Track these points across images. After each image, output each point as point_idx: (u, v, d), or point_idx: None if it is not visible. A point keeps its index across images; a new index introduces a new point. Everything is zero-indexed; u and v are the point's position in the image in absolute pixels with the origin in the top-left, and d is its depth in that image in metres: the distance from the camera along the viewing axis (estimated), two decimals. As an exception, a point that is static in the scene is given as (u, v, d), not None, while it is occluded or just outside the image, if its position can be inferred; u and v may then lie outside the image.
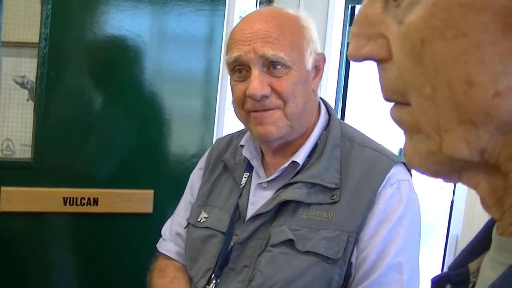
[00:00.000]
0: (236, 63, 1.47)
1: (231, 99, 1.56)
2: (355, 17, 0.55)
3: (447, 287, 0.62)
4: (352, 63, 3.20)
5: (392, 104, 0.56)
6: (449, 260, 2.91)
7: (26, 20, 2.33)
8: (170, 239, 1.80)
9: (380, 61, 0.55)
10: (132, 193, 2.42)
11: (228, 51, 1.50)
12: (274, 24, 1.45)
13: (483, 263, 0.59)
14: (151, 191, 2.32)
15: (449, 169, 0.52)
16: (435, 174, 0.53)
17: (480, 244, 0.61)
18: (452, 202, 3.19)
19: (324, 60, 1.54)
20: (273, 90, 1.45)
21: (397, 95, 0.53)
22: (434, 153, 0.50)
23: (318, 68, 1.52)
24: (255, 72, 1.44)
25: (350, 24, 3.12)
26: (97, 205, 2.40)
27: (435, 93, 0.48)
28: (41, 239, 2.41)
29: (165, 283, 1.69)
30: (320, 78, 1.53)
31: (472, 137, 0.48)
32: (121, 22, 2.39)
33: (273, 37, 1.43)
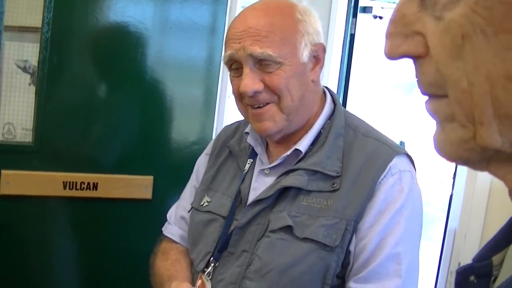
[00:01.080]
0: (231, 61, 1.49)
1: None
2: (391, 16, 0.56)
3: (471, 278, 0.63)
4: (354, 54, 3.19)
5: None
6: (447, 254, 2.91)
7: (29, 4, 2.33)
8: (175, 222, 1.81)
9: (416, 58, 0.56)
10: (131, 179, 2.43)
11: (224, 48, 1.53)
12: (265, 20, 1.46)
13: (507, 256, 0.60)
14: (151, 177, 2.32)
15: (479, 157, 0.53)
16: (465, 161, 0.54)
17: (505, 237, 0.62)
18: (451, 196, 3.19)
19: (323, 50, 1.53)
20: (266, 85, 1.46)
21: (434, 89, 0.55)
22: (466, 141, 0.52)
23: (317, 58, 1.52)
24: (246, 70, 1.46)
25: (354, 15, 3.11)
26: (96, 189, 2.40)
27: (472, 87, 0.49)
28: (40, 223, 2.42)
29: (166, 265, 1.70)
30: (321, 68, 1.53)
31: (506, 129, 0.49)
32: (124, 8, 2.39)
33: (262, 35, 1.44)
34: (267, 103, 1.49)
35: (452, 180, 3.22)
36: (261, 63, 1.45)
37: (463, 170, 2.76)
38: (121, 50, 2.43)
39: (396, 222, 1.45)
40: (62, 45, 2.34)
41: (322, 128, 1.55)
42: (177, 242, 1.78)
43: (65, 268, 2.36)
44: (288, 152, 1.53)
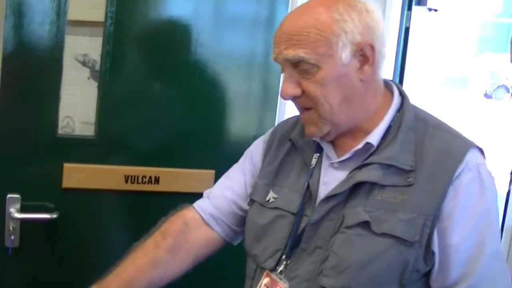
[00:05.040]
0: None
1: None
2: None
3: None
4: (409, 48, 3.14)
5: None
6: (504, 250, 2.87)
7: (92, -2, 2.34)
8: (211, 198, 1.79)
9: None
10: (193, 173, 2.42)
11: None
12: (298, 23, 1.43)
13: None
14: (212, 171, 2.31)
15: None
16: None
17: None
18: (508, 192, 3.14)
19: (371, 47, 1.45)
20: (303, 91, 1.46)
21: None
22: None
23: (365, 57, 1.46)
24: (286, 74, 1.47)
25: (409, 8, 3.06)
26: (158, 183, 2.40)
27: None
28: (101, 216, 2.43)
29: (147, 250, 1.70)
30: (372, 65, 1.47)
31: None
32: (185, 2, 2.38)
33: (295, 38, 1.42)
34: (308, 109, 1.48)
35: (510, 176, 3.17)
36: (299, 68, 1.43)
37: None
38: (182, 44, 2.41)
39: (487, 218, 1.43)
40: (123, 39, 2.33)
41: (392, 121, 1.52)
42: (200, 218, 1.76)
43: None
44: (360, 146, 1.50)
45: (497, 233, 1.47)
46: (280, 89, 1.51)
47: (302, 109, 1.51)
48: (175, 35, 2.42)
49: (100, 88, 2.34)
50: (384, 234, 1.41)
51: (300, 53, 1.41)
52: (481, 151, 1.51)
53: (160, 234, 1.73)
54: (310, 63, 1.42)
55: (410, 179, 1.44)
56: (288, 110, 2.43)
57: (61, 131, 2.36)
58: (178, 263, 1.73)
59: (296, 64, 1.44)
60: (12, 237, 2.28)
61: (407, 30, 3.01)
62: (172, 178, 2.42)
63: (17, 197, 2.28)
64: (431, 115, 1.58)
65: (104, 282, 1.64)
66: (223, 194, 1.78)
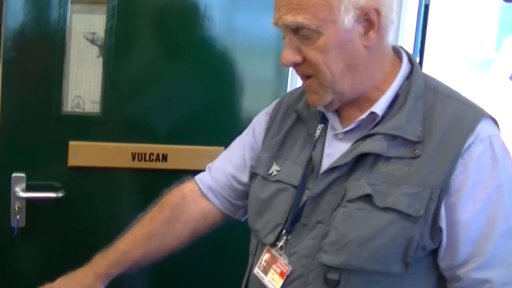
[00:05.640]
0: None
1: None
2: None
3: None
4: (428, 27, 3.05)
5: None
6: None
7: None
8: (212, 171, 1.77)
9: None
10: (202, 150, 2.38)
11: None
12: None
13: None
14: (221, 148, 2.24)
15: None
16: None
17: None
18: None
19: (376, 12, 1.36)
20: (304, 57, 1.39)
21: None
22: None
23: (370, 22, 1.37)
24: (286, 40, 1.41)
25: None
26: (166, 161, 2.37)
27: None
28: (108, 194, 2.40)
29: (144, 223, 1.75)
30: (377, 31, 1.38)
31: None
32: (193, -23, 2.33)
33: (294, 3, 1.34)
34: (309, 76, 1.42)
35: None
36: (299, 33, 1.36)
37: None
38: (190, 19, 2.36)
39: (499, 194, 1.36)
40: (129, 14, 2.29)
41: (399, 89, 1.45)
42: (199, 190, 1.76)
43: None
44: (364, 116, 1.43)
45: (510, 210, 1.38)
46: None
47: (304, 77, 1.45)
48: (183, 10, 2.37)
49: (105, 64, 2.30)
50: (386, 209, 1.34)
51: (299, 18, 1.34)
52: (494, 121, 1.43)
53: (158, 207, 1.77)
54: (310, 28, 1.34)
55: (417, 151, 1.37)
56: (299, 85, 2.38)
57: (70, 110, 2.32)
58: (175, 236, 1.75)
59: (296, 30, 1.37)
60: (18, 217, 2.26)
61: (426, 7, 2.91)
62: (180, 155, 2.39)
63: (22, 176, 2.26)
64: (442, 84, 1.50)
65: (105, 252, 1.71)
66: (222, 167, 1.75)
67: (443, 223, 1.35)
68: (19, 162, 2.26)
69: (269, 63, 2.50)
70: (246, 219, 1.73)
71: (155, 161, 2.36)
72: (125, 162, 2.35)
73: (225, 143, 1.85)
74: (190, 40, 2.37)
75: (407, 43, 3.07)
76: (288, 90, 2.48)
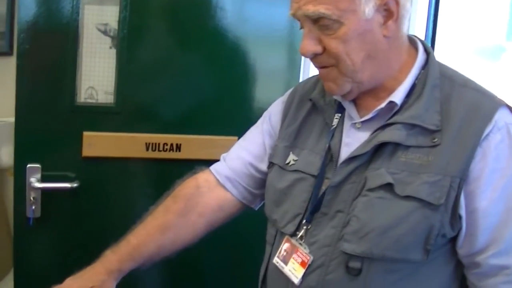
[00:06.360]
0: (297, 20, 1.42)
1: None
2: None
3: None
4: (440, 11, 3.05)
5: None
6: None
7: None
8: (227, 160, 1.75)
9: None
10: (215, 140, 2.38)
11: None
12: None
13: None
14: (235, 138, 2.25)
15: None
16: None
17: None
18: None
19: (395, 1, 1.37)
20: (325, 48, 1.38)
21: None
22: None
23: (389, 11, 1.37)
24: (305, 30, 1.39)
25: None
26: (180, 151, 2.37)
27: None
28: (122, 184, 2.41)
29: (157, 215, 1.70)
30: (396, 20, 1.38)
31: None
32: (204, -33, 2.33)
33: None
34: (327, 67, 1.42)
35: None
36: (319, 23, 1.35)
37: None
38: (202, 9, 2.36)
39: None
40: (141, 5, 2.29)
41: (416, 79, 1.45)
42: (215, 180, 1.73)
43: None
44: (383, 105, 1.43)
45: None
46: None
47: (321, 66, 1.44)
48: (196, 0, 2.37)
49: (118, 55, 2.31)
50: (408, 197, 1.34)
51: (320, 9, 1.33)
52: (511, 110, 1.43)
53: (172, 198, 1.72)
54: (332, 19, 1.34)
55: (435, 140, 1.37)
56: (312, 73, 2.38)
57: (84, 101, 2.33)
58: (190, 227, 1.70)
59: (316, 20, 1.36)
60: (33, 207, 2.27)
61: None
62: (194, 145, 2.39)
63: (37, 167, 2.27)
64: (458, 73, 1.50)
65: (116, 247, 1.64)
66: (239, 156, 1.73)
67: (462, 211, 1.35)
68: (34, 153, 2.27)
69: (281, 53, 2.50)
70: (260, 208, 1.74)
71: (169, 151, 2.37)
72: (139, 152, 2.35)
73: (238, 133, 1.85)
74: (203, 30, 2.37)
75: (419, 32, 3.06)
76: (300, 79, 2.49)
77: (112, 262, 1.62)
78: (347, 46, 1.36)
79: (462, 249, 1.40)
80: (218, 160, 1.79)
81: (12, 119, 2.34)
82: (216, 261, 2.48)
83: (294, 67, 2.49)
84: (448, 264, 1.43)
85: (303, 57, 2.42)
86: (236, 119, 2.39)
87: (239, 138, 1.80)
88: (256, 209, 1.79)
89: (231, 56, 2.42)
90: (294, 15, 1.40)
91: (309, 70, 2.43)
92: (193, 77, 2.39)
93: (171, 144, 2.37)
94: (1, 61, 2.95)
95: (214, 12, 2.36)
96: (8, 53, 2.95)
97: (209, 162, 1.80)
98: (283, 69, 2.50)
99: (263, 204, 1.71)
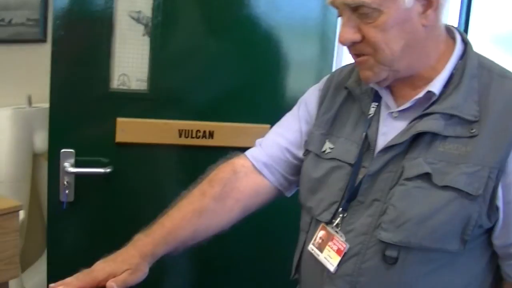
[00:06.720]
0: (335, 8, 1.41)
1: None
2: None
3: None
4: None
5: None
6: None
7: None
8: (264, 146, 1.72)
9: None
10: (248, 127, 2.39)
11: None
12: None
13: None
14: (267, 126, 2.25)
15: None
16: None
17: None
18: None
19: None
20: (363, 36, 1.38)
21: None
22: None
23: (429, 0, 1.36)
24: (344, 18, 1.38)
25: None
26: (212, 138, 2.39)
27: None
28: (155, 171, 2.43)
29: (193, 199, 1.65)
30: (436, 10, 1.38)
31: None
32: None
33: None
34: (364, 55, 1.41)
35: None
36: (359, 12, 1.35)
37: None
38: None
39: None
40: (175, -7, 2.30)
41: (454, 68, 1.44)
42: (251, 166, 1.70)
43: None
44: (421, 95, 1.43)
45: None
46: (337, 34, 1.44)
47: (358, 54, 1.44)
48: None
49: (152, 42, 2.32)
50: (446, 187, 1.34)
51: None
52: None
53: (207, 182, 1.68)
54: (372, 7, 1.33)
55: (473, 130, 1.36)
56: (345, 62, 2.38)
57: (117, 88, 2.35)
58: (226, 212, 1.67)
59: (355, 8, 1.35)
60: (67, 191, 2.31)
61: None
62: (227, 133, 2.40)
63: (71, 152, 2.30)
64: (496, 63, 1.49)
65: (150, 230, 1.59)
66: (276, 142, 1.71)
67: (500, 202, 1.35)
68: (68, 138, 2.30)
69: (314, 42, 2.50)
70: (294, 195, 1.74)
71: (202, 138, 2.38)
72: (172, 138, 2.37)
73: (271, 121, 1.84)
74: (236, 18, 2.38)
75: (451, 22, 3.04)
76: (334, 67, 2.49)
77: (146, 245, 1.56)
78: (386, 35, 1.36)
79: (498, 240, 1.40)
80: (250, 148, 1.78)
81: (46, 105, 2.36)
82: (247, 248, 2.50)
83: (327, 56, 2.49)
84: (483, 254, 1.43)
85: (336, 46, 2.42)
86: (269, 108, 2.39)
87: (271, 127, 1.80)
88: (289, 196, 1.79)
89: (264, 44, 2.42)
90: (332, 3, 1.40)
91: (342, 59, 2.43)
92: (225, 65, 2.40)
93: (204, 131, 2.38)
94: (35, 48, 2.97)
95: (247, 1, 2.36)
96: (42, 40, 2.97)
97: (241, 150, 1.79)
98: (316, 58, 2.50)
99: (295, 192, 1.71)
